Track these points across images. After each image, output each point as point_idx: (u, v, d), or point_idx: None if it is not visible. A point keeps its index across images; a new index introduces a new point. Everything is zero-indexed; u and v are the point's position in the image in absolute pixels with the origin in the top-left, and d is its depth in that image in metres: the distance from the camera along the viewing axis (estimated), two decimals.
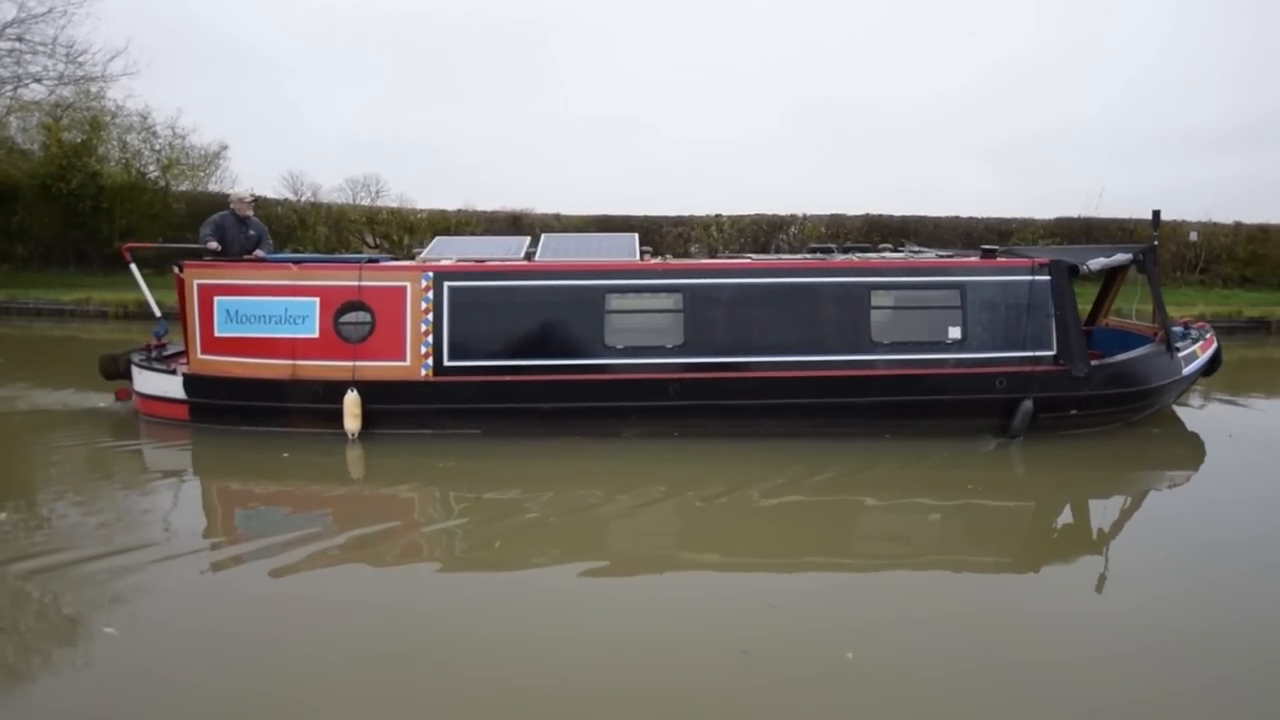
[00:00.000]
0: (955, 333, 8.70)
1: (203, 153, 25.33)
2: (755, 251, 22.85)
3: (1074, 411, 8.80)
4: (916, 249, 10.38)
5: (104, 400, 10.22)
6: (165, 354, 9.82)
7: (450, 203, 33.68)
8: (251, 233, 9.99)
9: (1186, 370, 9.20)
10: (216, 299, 8.88)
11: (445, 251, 9.69)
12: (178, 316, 9.46)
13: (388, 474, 7.94)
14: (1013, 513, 7.41)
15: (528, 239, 10.20)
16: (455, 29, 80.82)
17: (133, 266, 10.09)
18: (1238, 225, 24.48)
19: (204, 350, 8.91)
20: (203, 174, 25.24)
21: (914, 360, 8.68)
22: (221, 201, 25.36)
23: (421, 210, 26.15)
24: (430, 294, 8.77)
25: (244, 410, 8.89)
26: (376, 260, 9.34)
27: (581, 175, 63.08)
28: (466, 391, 8.70)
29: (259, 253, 9.88)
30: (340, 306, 8.78)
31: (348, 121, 67.00)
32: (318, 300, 8.80)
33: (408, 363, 8.74)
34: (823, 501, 7.27)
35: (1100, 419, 9.00)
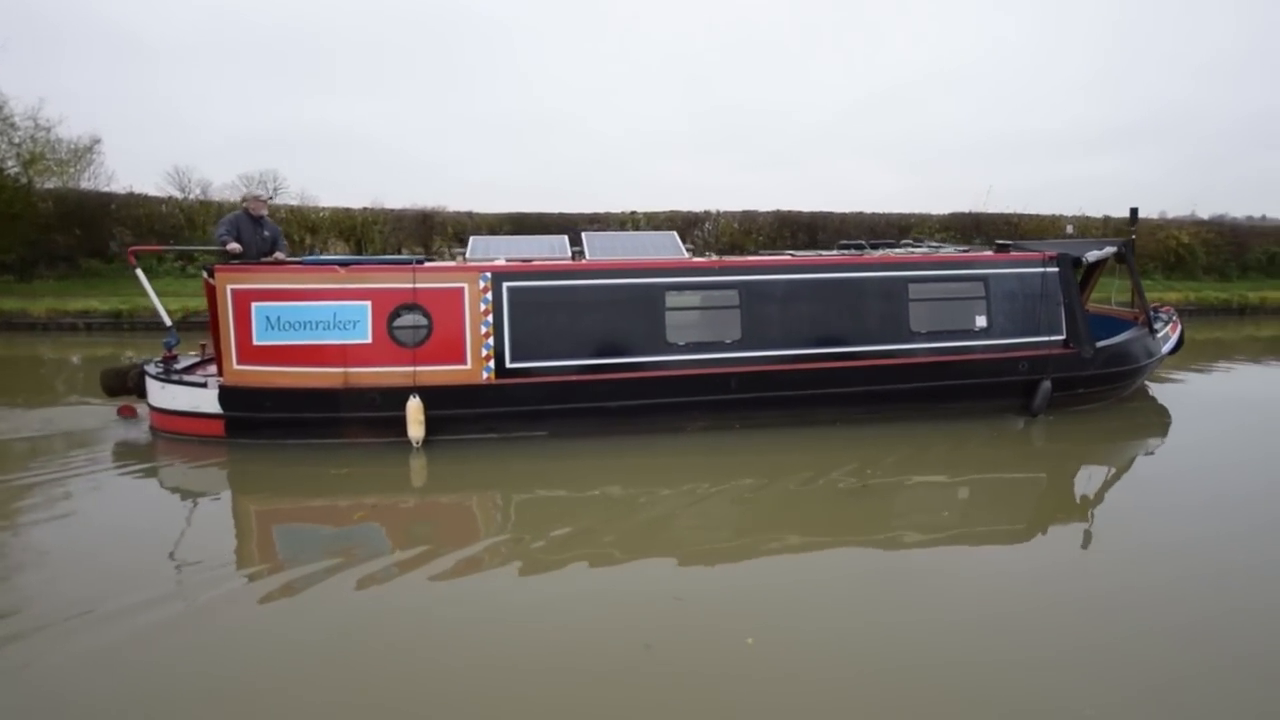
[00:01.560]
0: (981, 321, 9.51)
1: (72, 147, 22.90)
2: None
3: (1080, 390, 9.84)
4: (935, 244, 11.18)
5: (94, 418, 9.31)
6: (179, 366, 9.08)
7: (356, 200, 32.03)
8: (266, 234, 9.42)
9: (1164, 349, 10.50)
10: (254, 305, 8.33)
11: (487, 251, 9.52)
12: (208, 326, 8.80)
13: (464, 481, 7.71)
14: (1084, 479, 8.12)
15: (565, 238, 10.18)
16: (361, 20, 77.19)
17: (139, 272, 9.25)
18: (1107, 219, 26.62)
19: (241, 360, 8.34)
20: (72, 170, 22.80)
21: (948, 348, 9.41)
22: (96, 199, 23.25)
23: (324, 208, 24.95)
24: (489, 295, 8.63)
25: (290, 423, 8.40)
26: (422, 261, 9.03)
27: (495, 172, 61.78)
28: (532, 393, 8.62)
29: (278, 255, 9.34)
30: (394, 310, 8.47)
31: (240, 115, 62.25)
32: (369, 304, 8.44)
33: (468, 366, 8.55)
34: (905, 482, 7.78)
35: (1100, 395, 10.12)
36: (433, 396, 8.34)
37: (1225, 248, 27.54)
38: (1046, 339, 9.62)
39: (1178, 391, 11.94)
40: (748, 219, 25.71)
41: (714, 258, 9.80)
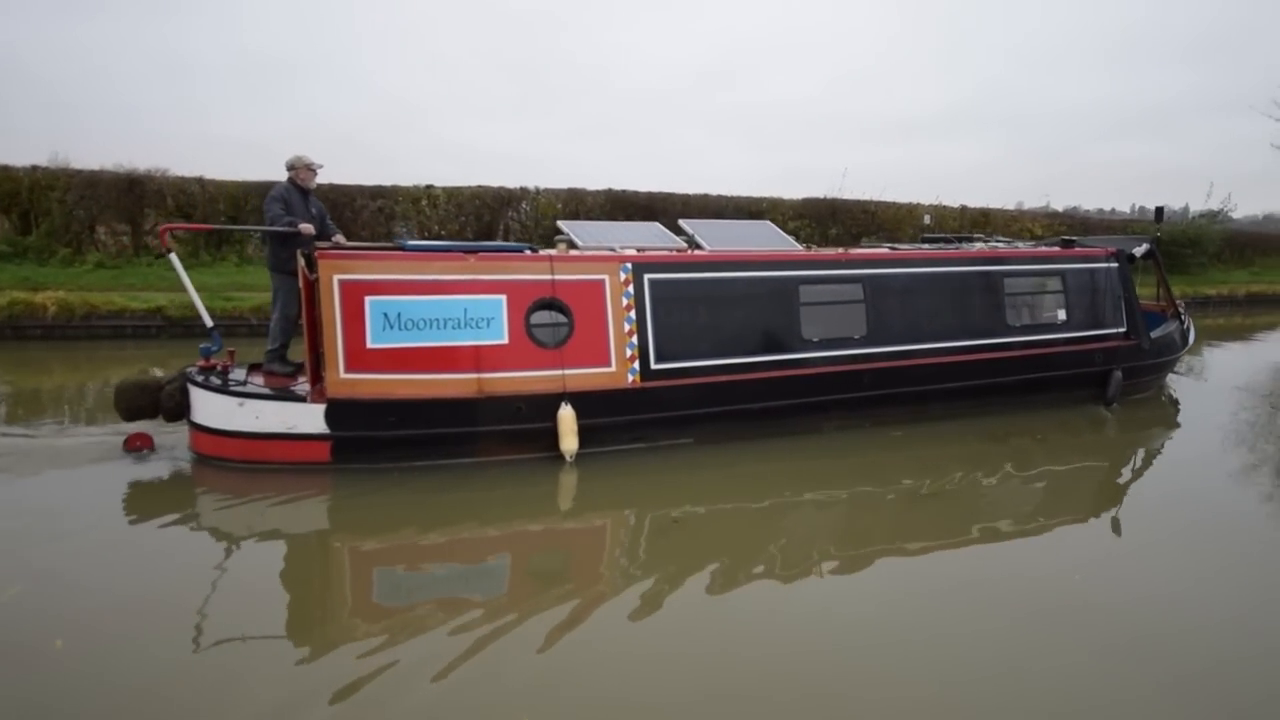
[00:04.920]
0: (1061, 315, 9.92)
1: None
2: (478, 232, 20.70)
3: (1140, 379, 10.56)
4: (1004, 240, 11.53)
5: (96, 448, 7.32)
6: (230, 377, 7.34)
7: (24, 156, 24.66)
8: (314, 211, 7.94)
9: (1190, 339, 11.54)
10: (368, 299, 6.91)
11: (594, 238, 8.54)
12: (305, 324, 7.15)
13: (642, 500, 6.80)
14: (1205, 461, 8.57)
15: (659, 225, 9.41)
16: None
17: (173, 257, 7.38)
18: (963, 208, 26.58)
19: (350, 367, 6.87)
20: None
21: (1039, 340, 9.72)
22: None
23: None
24: (630, 288, 7.76)
25: (415, 442, 7.05)
26: (536, 250, 7.94)
27: (232, 128, 51.84)
28: (679, 397, 7.85)
29: (339, 238, 7.89)
30: (531, 305, 7.38)
31: None
32: (504, 298, 7.30)
33: (613, 368, 7.64)
34: (1053, 470, 7.99)
35: (1151, 384, 10.95)
36: (580, 404, 7.35)
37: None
38: (1112, 331, 10.22)
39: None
40: (574, 198, 22.05)
41: (842, 250, 9.46)
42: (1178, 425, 9.97)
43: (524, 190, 21.70)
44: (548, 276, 7.47)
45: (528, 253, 7.79)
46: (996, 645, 4.43)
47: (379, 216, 19.92)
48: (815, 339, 8.48)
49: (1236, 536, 6.18)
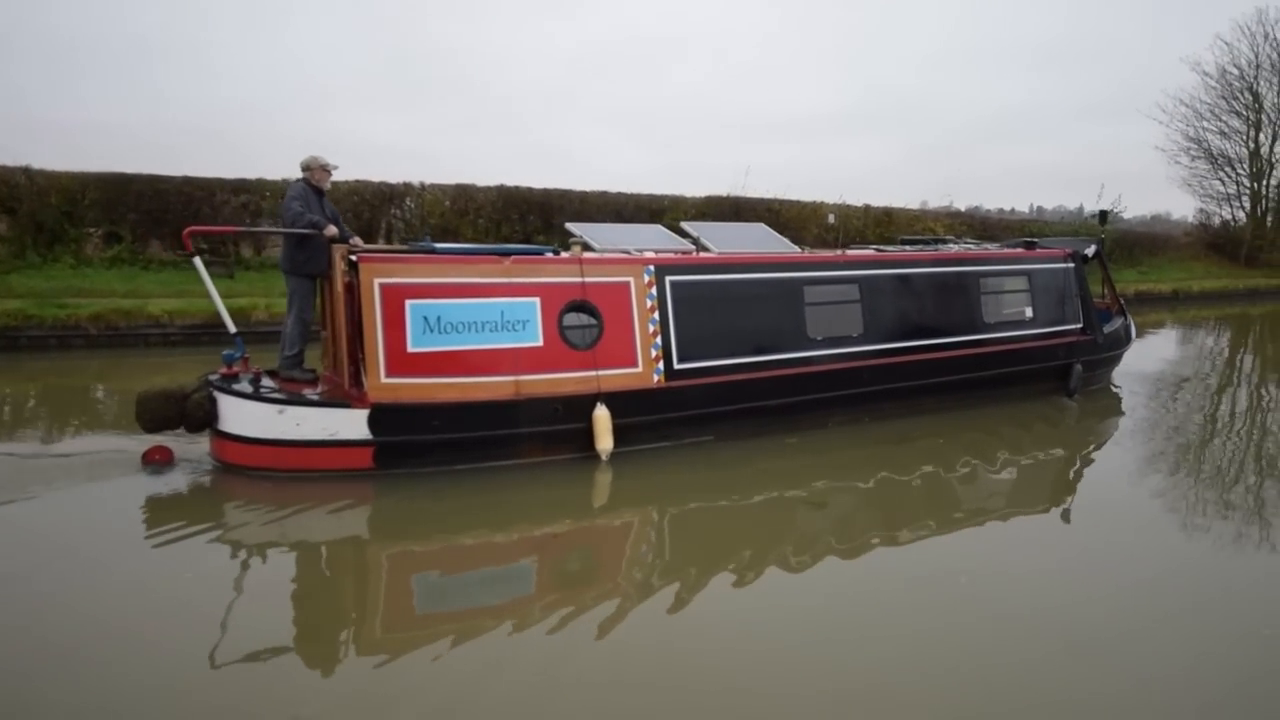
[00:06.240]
0: (1029, 312, 10.69)
1: None
2: (359, 231, 17.55)
3: (1094, 371, 11.44)
4: (972, 242, 12.21)
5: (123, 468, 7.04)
6: (263, 384, 7.18)
7: None
8: (328, 212, 7.88)
9: (1133, 334, 12.54)
10: (409, 303, 6.91)
11: (604, 241, 8.69)
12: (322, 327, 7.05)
13: (686, 495, 7.07)
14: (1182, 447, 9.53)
15: (660, 226, 9.66)
16: None
17: (197, 260, 7.17)
18: (867, 208, 26.51)
19: (392, 372, 6.86)
20: None
21: (1011, 337, 10.44)
22: None
23: None
24: (654, 290, 8.00)
25: (457, 446, 7.09)
26: (558, 252, 8.06)
27: (59, 112, 46.58)
28: (700, 396, 8.13)
29: (356, 240, 7.84)
30: (563, 308, 7.51)
31: None
32: (538, 301, 7.42)
33: (640, 369, 7.85)
34: (1054, 458, 8.68)
35: (1103, 376, 11.86)
36: (611, 404, 7.53)
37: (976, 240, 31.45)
38: (1071, 327, 11.05)
39: None
40: (463, 194, 20.58)
41: (841, 252, 9.91)
42: (1123, 414, 10.88)
43: (408, 186, 20.19)
44: (578, 279, 7.62)
45: (549, 255, 7.94)
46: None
47: (241, 213, 18.02)
48: (819, 337, 8.90)
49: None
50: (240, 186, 18.36)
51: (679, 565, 5.64)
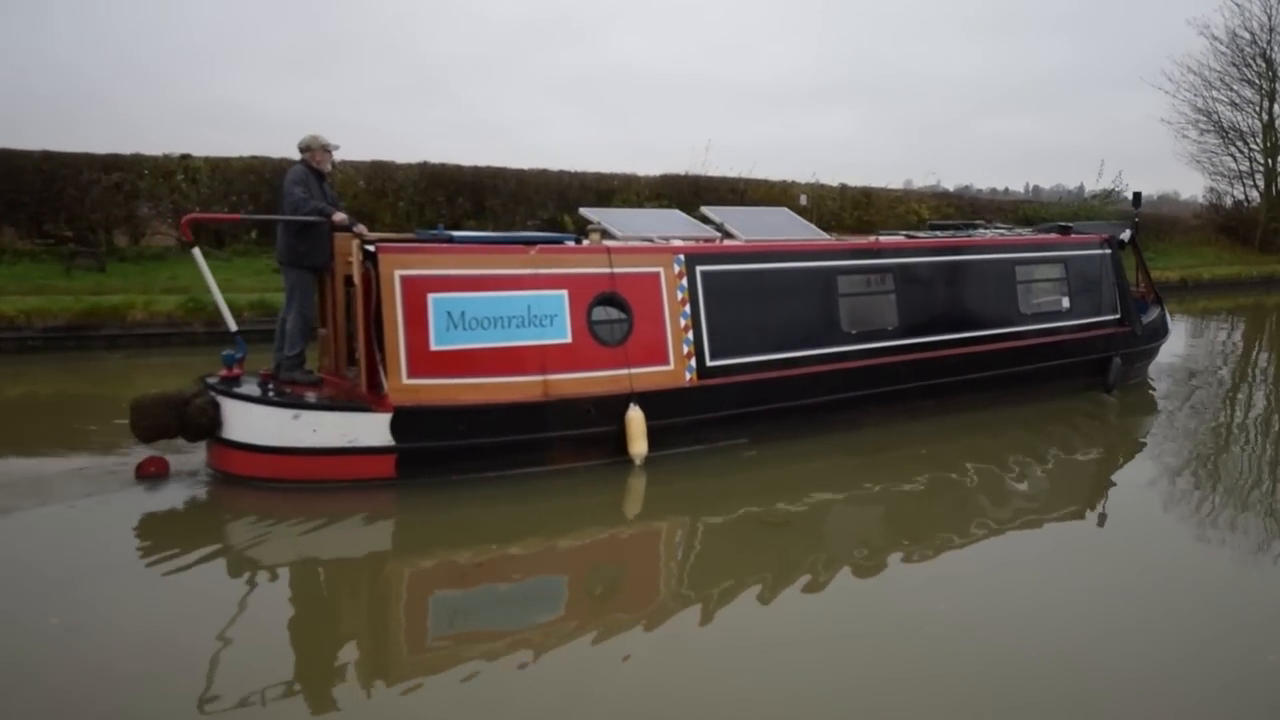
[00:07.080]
0: (1065, 302, 10.27)
1: None
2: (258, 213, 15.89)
3: (1133, 364, 11.04)
4: (1004, 227, 11.76)
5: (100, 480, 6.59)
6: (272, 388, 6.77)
7: None
8: (329, 197, 7.39)
9: (1170, 325, 12.14)
10: (432, 297, 6.47)
11: (624, 227, 8.19)
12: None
13: (729, 503, 6.64)
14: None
15: (679, 212, 9.25)
16: None
17: (196, 252, 6.73)
18: (844, 188, 24.40)
19: (414, 372, 6.42)
20: None
21: (1049, 329, 10.03)
22: None
23: None
24: (684, 281, 7.58)
25: (484, 451, 6.66)
26: (579, 241, 7.63)
27: None
28: (734, 395, 7.71)
29: (361, 227, 7.33)
30: (592, 301, 7.10)
31: None
32: (566, 294, 6.99)
33: (671, 366, 7.43)
34: (1101, 459, 8.36)
35: (1142, 370, 11.46)
36: (644, 404, 7.13)
37: None
38: (1109, 318, 10.63)
39: None
40: (379, 172, 18.14)
41: (874, 239, 9.48)
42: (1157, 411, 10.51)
43: None
44: (606, 270, 7.20)
45: (570, 244, 7.52)
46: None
47: (114, 194, 15.71)
48: (854, 331, 8.47)
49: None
50: (113, 163, 15.92)
51: (726, 583, 5.19)
